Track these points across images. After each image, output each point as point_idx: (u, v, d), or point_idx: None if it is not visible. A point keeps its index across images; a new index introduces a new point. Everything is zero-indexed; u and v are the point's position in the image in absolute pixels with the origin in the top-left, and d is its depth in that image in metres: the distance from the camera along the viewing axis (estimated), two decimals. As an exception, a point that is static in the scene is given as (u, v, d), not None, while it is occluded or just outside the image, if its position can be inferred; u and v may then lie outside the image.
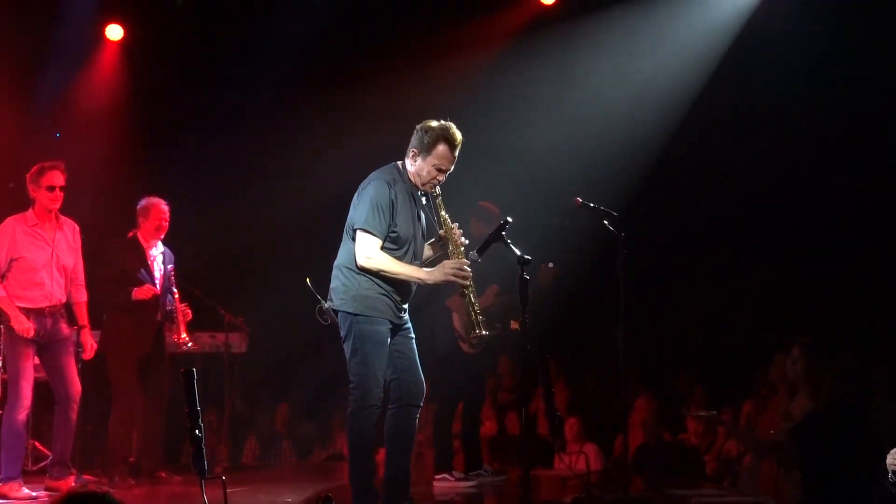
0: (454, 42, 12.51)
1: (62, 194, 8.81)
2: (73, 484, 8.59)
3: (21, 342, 8.52)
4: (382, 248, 6.73)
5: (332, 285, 6.91)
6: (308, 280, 7.48)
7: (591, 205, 7.54)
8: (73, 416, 8.79)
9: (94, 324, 9.26)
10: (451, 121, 6.86)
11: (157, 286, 9.40)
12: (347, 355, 6.83)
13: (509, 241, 6.93)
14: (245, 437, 13.13)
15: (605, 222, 7.52)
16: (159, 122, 13.16)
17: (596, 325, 7.92)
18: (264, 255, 13.73)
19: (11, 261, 8.64)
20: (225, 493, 4.66)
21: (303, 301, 13.26)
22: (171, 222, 9.55)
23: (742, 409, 10.35)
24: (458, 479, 9.29)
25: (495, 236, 6.99)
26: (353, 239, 6.78)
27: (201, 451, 5.05)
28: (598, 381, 12.06)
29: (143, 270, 9.34)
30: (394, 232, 6.76)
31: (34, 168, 8.81)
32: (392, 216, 6.74)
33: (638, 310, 11.58)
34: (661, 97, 11.94)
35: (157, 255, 9.53)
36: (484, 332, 6.86)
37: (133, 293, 9.22)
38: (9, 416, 8.52)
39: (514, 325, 7.04)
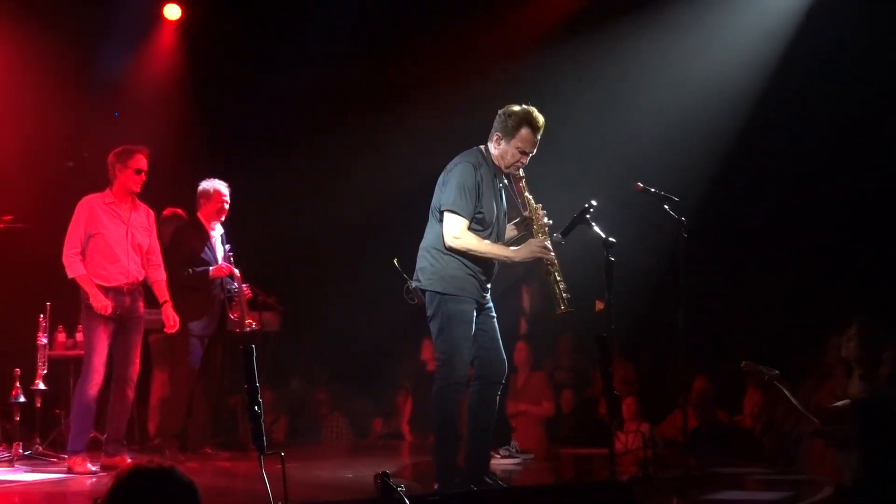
0: (522, 27, 12.48)
1: (145, 178, 8.92)
2: (127, 460, 8.67)
3: (98, 319, 8.61)
4: (469, 228, 6.89)
5: (419, 265, 7.09)
6: (396, 260, 7.77)
7: (652, 189, 7.62)
8: (131, 394, 8.91)
9: (154, 302, 9.34)
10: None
11: (216, 262, 9.51)
12: (434, 334, 7.00)
13: (593, 223, 7.10)
14: (301, 414, 13.20)
15: (666, 207, 7.61)
16: (216, 101, 13.22)
17: (655, 307, 7.90)
18: (321, 234, 13.76)
19: (89, 237, 8.73)
20: (283, 468, 4.69)
21: (359, 281, 13.49)
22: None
23: (797, 391, 10.29)
24: (503, 457, 9.43)
25: (580, 219, 7.15)
26: (440, 220, 6.97)
27: (260, 427, 5.09)
28: (655, 362, 12.02)
29: (206, 250, 9.46)
30: (479, 213, 6.93)
31: (119, 148, 8.90)
32: (478, 198, 6.90)
33: (695, 292, 11.60)
34: (732, 86, 11.88)
35: (217, 235, 9.64)
36: (571, 309, 6.95)
37: (211, 272, 9.35)
38: (81, 390, 8.63)
39: (599, 305, 7.10)
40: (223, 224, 9.74)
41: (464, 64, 12.63)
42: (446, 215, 6.91)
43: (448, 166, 7.07)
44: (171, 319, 9.09)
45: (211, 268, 9.42)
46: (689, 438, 10.40)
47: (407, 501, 4.72)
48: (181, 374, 9.44)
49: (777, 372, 8.51)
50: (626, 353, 11.80)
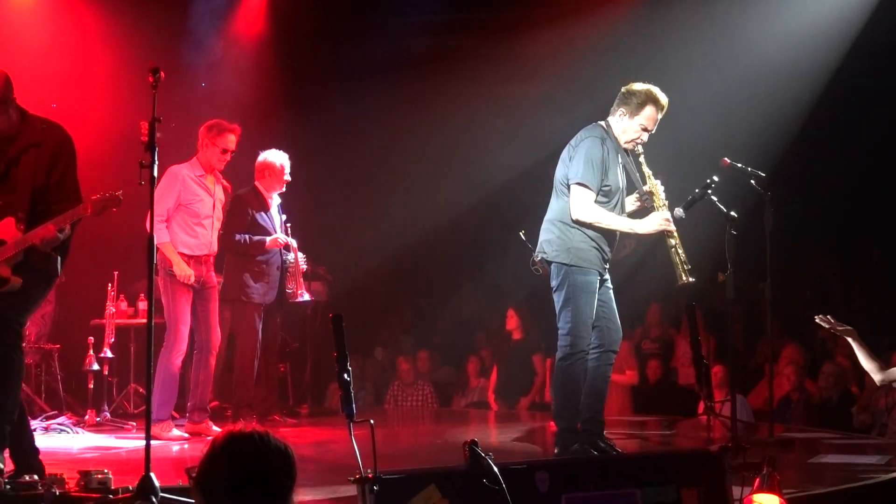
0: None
1: (230, 159, 9.01)
2: (212, 428, 8.76)
3: (181, 288, 8.70)
4: (595, 201, 7.07)
5: (544, 238, 7.25)
6: (522, 233, 8.22)
7: (739, 165, 7.70)
8: (213, 362, 9.00)
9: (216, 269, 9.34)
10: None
11: (275, 233, 9.50)
12: (558, 304, 7.14)
13: (715, 198, 7.33)
14: (386, 383, 13.28)
15: (752, 182, 7.70)
16: (303, 74, 13.27)
17: (744, 277, 7.90)
18: (401, 205, 13.83)
19: (180, 206, 8.82)
20: (373, 435, 4.70)
21: (439, 253, 13.53)
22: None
23: (892, 359, 10.14)
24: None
25: (701, 194, 7.34)
26: (566, 193, 7.14)
27: (349, 394, 5.10)
28: (745, 331, 11.92)
29: (265, 219, 9.46)
30: (606, 186, 7.11)
31: (211, 122, 8.96)
32: (604, 171, 7.08)
33: (784, 262, 11.49)
34: (809, 57, 11.75)
35: (275, 206, 9.64)
36: (691, 279, 7.08)
37: (267, 243, 9.37)
38: (166, 358, 8.68)
39: (721, 277, 7.29)
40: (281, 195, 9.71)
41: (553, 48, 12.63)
42: (574, 188, 7.08)
43: (573, 141, 7.23)
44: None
45: (267, 238, 9.40)
46: (779, 406, 10.38)
47: (495, 469, 4.72)
48: (246, 343, 9.45)
49: (851, 328, 8.48)
50: (715, 325, 11.74)
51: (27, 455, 6.11)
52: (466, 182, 13.43)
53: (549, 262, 7.20)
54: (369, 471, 4.61)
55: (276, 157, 9.56)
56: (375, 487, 4.55)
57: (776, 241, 7.88)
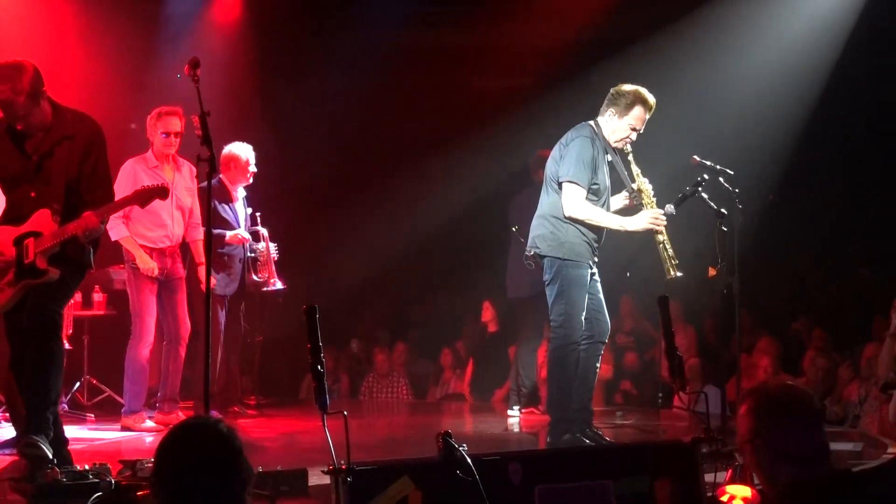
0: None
1: (178, 140, 8.92)
2: (181, 418, 8.75)
3: (145, 280, 8.69)
4: (585, 199, 7.32)
5: (536, 233, 7.52)
6: (515, 228, 8.86)
7: (708, 163, 7.83)
8: (183, 353, 8.99)
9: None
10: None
11: (240, 226, 9.44)
12: (551, 298, 7.42)
13: (706, 196, 7.57)
14: (362, 375, 13.27)
15: (721, 179, 7.80)
16: (280, 63, 13.22)
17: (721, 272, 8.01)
18: (377, 194, 13.83)
19: None
20: (346, 427, 4.70)
21: (415, 244, 13.53)
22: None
23: (863, 352, 10.21)
24: (543, 412, 9.61)
25: (692, 191, 7.58)
26: (557, 191, 7.41)
27: (323, 385, 5.09)
28: (723, 325, 11.97)
29: (228, 212, 9.37)
30: (595, 184, 7.37)
31: (153, 112, 8.92)
32: (594, 170, 7.34)
33: (757, 256, 11.55)
34: (801, 58, 11.90)
35: (241, 198, 9.58)
36: (679, 274, 7.35)
37: (227, 238, 9.28)
38: (133, 350, 8.71)
39: (712, 272, 7.70)
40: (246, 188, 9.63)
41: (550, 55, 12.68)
42: (566, 186, 7.33)
43: (563, 140, 7.49)
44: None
45: (228, 233, 9.30)
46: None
47: (469, 460, 4.73)
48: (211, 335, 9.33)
49: None
50: (690, 317, 11.79)
51: (58, 444, 6.20)
52: (445, 177, 13.43)
53: (543, 257, 7.44)
54: (343, 462, 4.61)
55: (241, 150, 9.47)
56: (349, 479, 4.57)
57: (754, 236, 7.92)
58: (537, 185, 9.38)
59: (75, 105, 6.42)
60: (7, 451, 7.28)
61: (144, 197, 6.55)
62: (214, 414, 9.04)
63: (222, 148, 9.47)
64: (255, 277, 9.63)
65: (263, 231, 9.61)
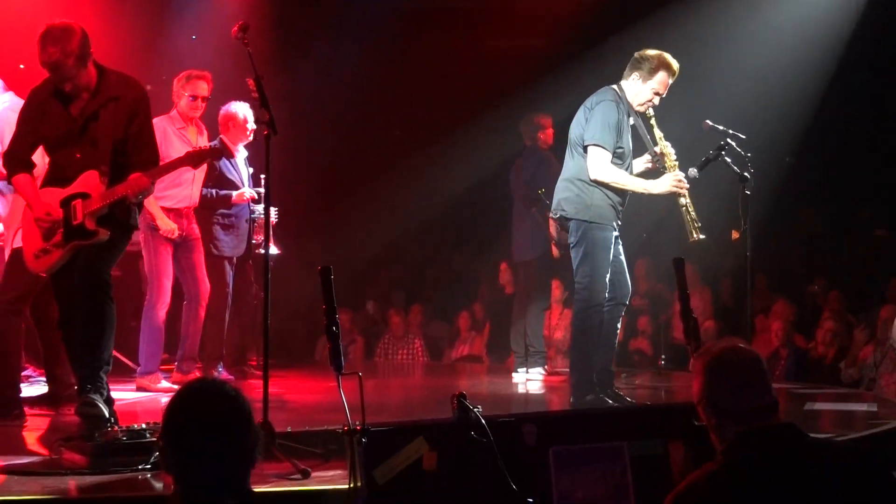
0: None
1: (204, 105, 8.90)
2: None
3: (161, 241, 8.66)
4: (610, 162, 7.39)
5: (562, 196, 7.58)
6: (540, 191, 9.06)
7: (720, 127, 7.84)
8: (202, 313, 8.97)
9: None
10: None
11: (242, 186, 9.41)
12: (576, 260, 7.49)
13: (729, 159, 7.61)
14: (377, 336, 13.30)
15: (733, 143, 7.78)
16: (294, 28, 13.16)
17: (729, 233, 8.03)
18: (390, 160, 13.81)
19: (161, 160, 8.70)
20: (361, 388, 4.71)
21: (430, 208, 13.53)
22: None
23: (879, 314, 10.20)
24: (550, 374, 9.83)
25: (715, 155, 7.63)
26: (582, 154, 7.46)
27: (338, 347, 5.11)
28: (735, 287, 11.98)
29: (232, 172, 9.33)
30: (619, 148, 7.42)
31: (182, 74, 8.87)
32: (619, 134, 7.39)
33: (773, 218, 11.53)
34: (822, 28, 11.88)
35: (242, 158, 9.52)
36: (702, 236, 7.43)
37: (233, 198, 9.24)
38: (149, 311, 8.69)
39: (735, 235, 7.73)
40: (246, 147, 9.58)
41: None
42: (592, 149, 7.38)
43: (588, 103, 7.54)
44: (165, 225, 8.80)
45: (234, 193, 9.27)
46: (768, 361, 10.44)
47: (483, 421, 4.75)
48: (217, 295, 9.35)
49: None
50: (706, 280, 11.79)
51: (108, 404, 6.24)
52: (463, 140, 13.40)
53: (569, 220, 7.52)
54: (357, 423, 4.63)
55: (238, 108, 9.37)
56: (364, 439, 4.59)
57: (770, 198, 7.90)
58: (529, 149, 9.94)
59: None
60: (37, 410, 7.38)
61: (197, 158, 6.66)
62: (224, 375, 9.14)
63: (231, 105, 9.43)
64: (251, 240, 9.58)
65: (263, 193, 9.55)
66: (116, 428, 5.82)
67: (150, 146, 6.34)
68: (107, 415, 6.04)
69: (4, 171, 6.62)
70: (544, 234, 9.77)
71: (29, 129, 6.33)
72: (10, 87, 7.84)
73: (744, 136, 7.79)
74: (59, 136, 6.26)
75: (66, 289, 6.27)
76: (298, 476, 5.31)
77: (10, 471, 5.53)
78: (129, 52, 10.79)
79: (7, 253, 7.49)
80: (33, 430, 6.92)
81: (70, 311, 6.28)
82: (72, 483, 5.31)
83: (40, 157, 6.54)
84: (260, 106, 6.19)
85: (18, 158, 6.36)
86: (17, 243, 7.09)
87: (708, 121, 7.86)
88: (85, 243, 6.15)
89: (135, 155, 6.23)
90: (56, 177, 6.31)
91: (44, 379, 8.14)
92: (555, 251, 9.84)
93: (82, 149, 6.22)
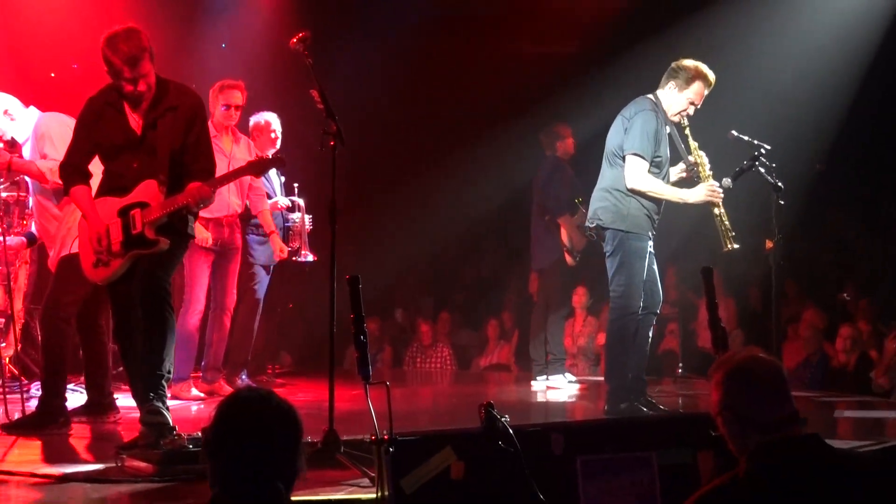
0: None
1: (238, 113, 8.91)
2: (225, 387, 8.83)
3: (198, 249, 8.62)
4: (648, 171, 7.46)
5: (599, 205, 7.67)
6: (578, 200, 9.20)
7: (745, 138, 7.81)
8: (228, 323, 9.01)
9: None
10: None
11: (276, 195, 9.45)
12: (612, 269, 7.56)
13: (762, 169, 7.56)
14: (406, 345, 13.31)
15: (757, 153, 7.71)
16: (321, 35, 13.15)
17: (759, 241, 8.05)
18: (419, 167, 13.80)
19: None
20: (389, 398, 4.72)
21: (460, 213, 13.52)
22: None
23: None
24: (570, 382, 9.92)
25: (749, 165, 7.59)
26: (620, 163, 7.52)
27: (366, 356, 5.13)
28: (762, 295, 11.93)
29: (264, 182, 9.34)
30: (658, 157, 7.51)
31: (216, 84, 8.89)
32: (657, 143, 7.48)
33: (804, 225, 11.47)
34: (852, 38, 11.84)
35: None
36: (736, 246, 7.53)
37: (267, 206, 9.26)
38: (182, 318, 8.65)
39: (769, 244, 7.70)
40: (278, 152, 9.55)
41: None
42: (630, 158, 7.44)
43: (625, 112, 7.60)
44: (278, 248, 9.12)
45: (268, 202, 9.30)
46: (797, 370, 10.42)
47: (510, 431, 4.74)
48: (248, 304, 9.37)
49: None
50: (730, 289, 11.74)
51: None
52: (491, 148, 13.40)
53: (605, 229, 7.57)
54: (385, 432, 4.64)
55: (262, 116, 9.44)
56: (391, 449, 4.59)
57: (801, 206, 7.87)
58: (547, 158, 10.10)
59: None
60: (77, 419, 7.37)
61: (259, 168, 6.69)
62: (247, 382, 9.16)
63: (256, 115, 9.50)
64: (287, 247, 9.61)
65: (300, 201, 9.58)
66: (182, 435, 5.84)
67: (207, 155, 6.34)
68: (171, 422, 6.05)
69: (60, 182, 6.62)
70: (556, 242, 9.85)
71: (85, 138, 6.32)
72: (30, 101, 7.81)
73: (769, 147, 7.75)
74: (117, 146, 6.25)
75: (123, 295, 6.28)
76: (367, 482, 5.27)
77: (75, 479, 5.57)
78: (159, 60, 10.87)
79: (54, 261, 7.46)
80: (81, 439, 6.95)
81: (127, 320, 6.28)
82: (141, 489, 5.37)
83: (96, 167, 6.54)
84: (326, 117, 6.22)
85: (76, 168, 6.34)
86: (71, 250, 7.12)
87: (734, 131, 7.85)
88: (146, 252, 6.15)
89: (193, 164, 6.23)
90: (113, 186, 6.29)
91: (79, 388, 8.19)
92: (568, 259, 9.92)
93: (139, 158, 6.20)
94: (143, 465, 5.65)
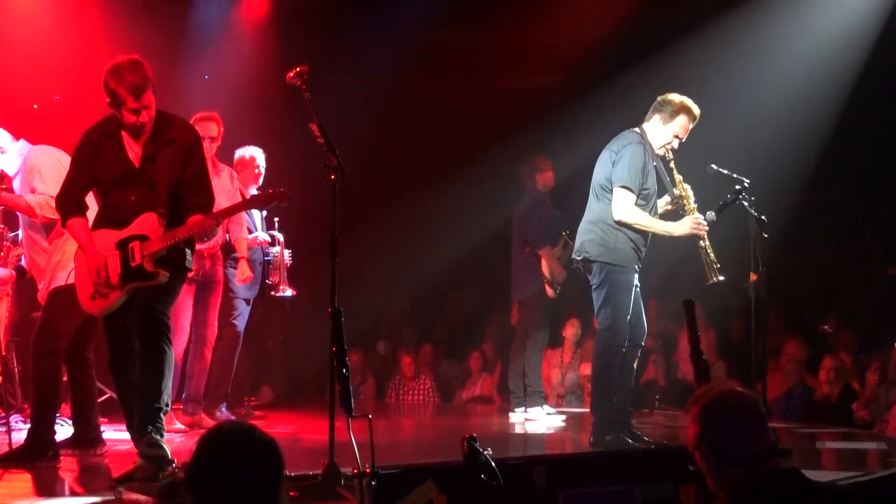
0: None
1: (215, 145, 8.87)
2: (205, 419, 8.79)
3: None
4: (635, 204, 7.51)
5: (586, 238, 7.69)
6: (566, 233, 9.20)
7: (724, 171, 7.91)
8: (208, 355, 8.96)
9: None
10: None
11: (257, 229, 9.44)
12: (598, 301, 7.62)
13: (746, 203, 7.67)
14: (388, 376, 13.27)
15: (737, 187, 7.81)
16: (308, 62, 13.17)
17: (740, 273, 8.08)
18: (402, 196, 13.80)
19: None
20: (371, 431, 4.72)
21: (442, 246, 13.52)
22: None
23: (891, 356, 10.15)
24: (549, 414, 9.87)
25: (733, 199, 7.71)
26: (607, 197, 7.57)
27: (348, 389, 5.13)
28: (744, 327, 11.96)
29: (247, 215, 9.32)
30: (645, 189, 7.57)
31: (195, 115, 8.89)
32: (645, 176, 7.54)
33: (786, 257, 11.49)
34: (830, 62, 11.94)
35: None
36: (721, 278, 7.57)
37: (248, 242, 9.24)
38: (169, 348, 8.66)
39: (753, 277, 7.76)
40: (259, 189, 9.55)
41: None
42: (618, 191, 7.50)
43: (612, 146, 7.66)
44: (242, 273, 8.99)
45: (248, 237, 9.29)
46: (778, 402, 10.45)
47: (493, 464, 4.73)
48: (228, 336, 9.35)
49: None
50: (710, 320, 11.76)
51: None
52: (473, 179, 13.41)
53: (592, 262, 7.61)
54: (367, 465, 4.63)
55: (247, 151, 9.46)
56: (373, 482, 4.58)
57: (780, 235, 7.89)
58: (527, 190, 10.12)
59: (101, 105, 6.40)
60: (65, 451, 7.24)
61: (261, 202, 6.77)
62: (227, 415, 9.13)
63: (241, 149, 9.53)
64: (266, 281, 9.61)
65: (279, 236, 9.59)
66: (181, 468, 5.78)
67: (207, 189, 6.34)
68: (169, 455, 6.02)
69: (50, 216, 6.58)
70: (537, 273, 9.87)
71: (84, 171, 6.29)
72: (13, 133, 7.77)
73: (747, 182, 7.81)
74: (115, 178, 6.23)
75: (119, 328, 6.27)
76: None
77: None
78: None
79: (44, 293, 7.38)
80: (71, 472, 6.87)
81: (123, 352, 6.27)
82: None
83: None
84: (326, 151, 6.22)
85: (74, 200, 6.32)
86: (62, 282, 7.09)
87: (713, 165, 7.92)
88: (145, 285, 6.13)
89: (192, 198, 6.21)
90: (110, 218, 6.28)
91: (63, 420, 8.13)
92: (549, 291, 9.92)
93: (137, 191, 6.18)
94: (142, 498, 5.61)
